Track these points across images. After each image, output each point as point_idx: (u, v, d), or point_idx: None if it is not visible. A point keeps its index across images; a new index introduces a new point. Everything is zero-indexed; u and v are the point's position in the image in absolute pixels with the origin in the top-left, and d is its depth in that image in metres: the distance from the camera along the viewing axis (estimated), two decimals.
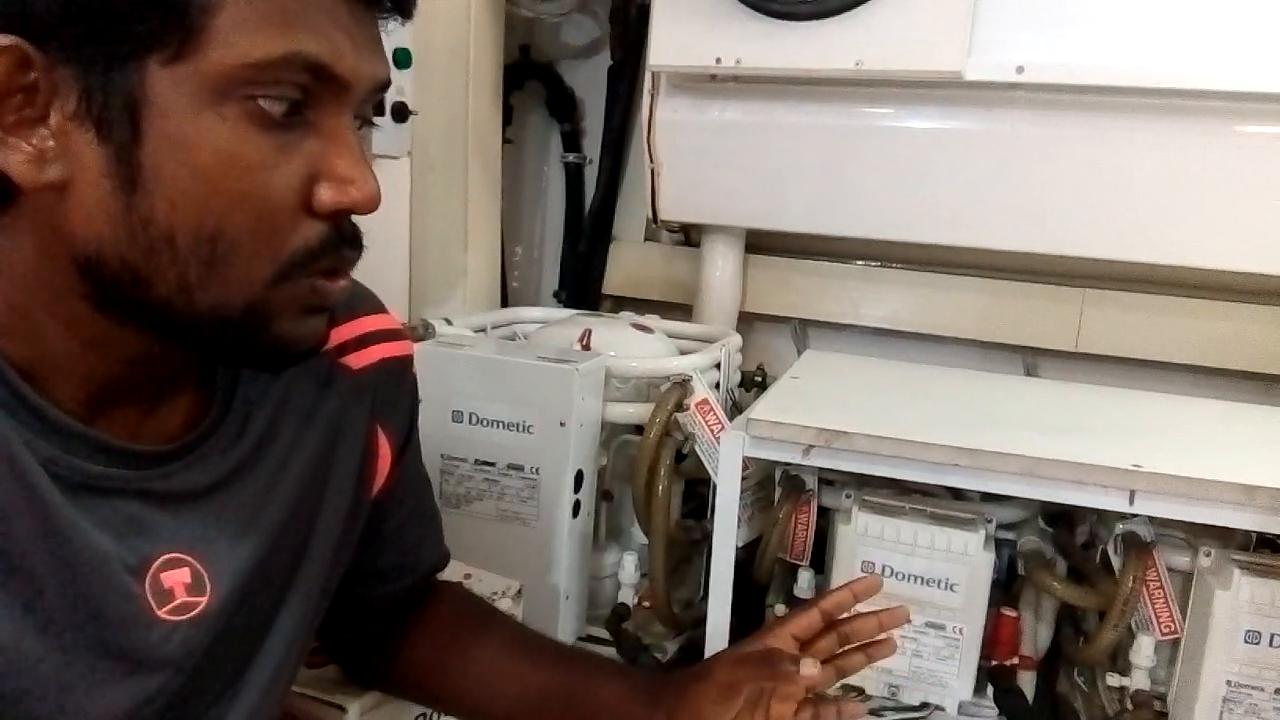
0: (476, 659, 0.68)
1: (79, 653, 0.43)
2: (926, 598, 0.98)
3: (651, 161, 1.44)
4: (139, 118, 0.40)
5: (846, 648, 0.67)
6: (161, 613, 0.46)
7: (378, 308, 0.64)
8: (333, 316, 0.59)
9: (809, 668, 0.60)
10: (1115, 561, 0.97)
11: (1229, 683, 0.90)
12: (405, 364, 0.65)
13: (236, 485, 0.51)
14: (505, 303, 1.70)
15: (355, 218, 0.47)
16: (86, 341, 0.44)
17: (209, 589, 0.49)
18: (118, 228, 0.41)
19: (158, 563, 0.47)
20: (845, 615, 0.67)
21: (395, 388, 0.64)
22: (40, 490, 0.41)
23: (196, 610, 0.48)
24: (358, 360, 0.60)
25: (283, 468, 0.54)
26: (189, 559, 0.48)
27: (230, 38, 0.40)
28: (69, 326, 0.44)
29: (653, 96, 1.42)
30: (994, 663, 1.03)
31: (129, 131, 0.40)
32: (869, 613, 0.67)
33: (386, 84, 0.47)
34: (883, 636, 0.67)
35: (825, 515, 1.08)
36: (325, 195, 0.44)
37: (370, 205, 0.45)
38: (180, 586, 0.47)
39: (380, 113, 1.14)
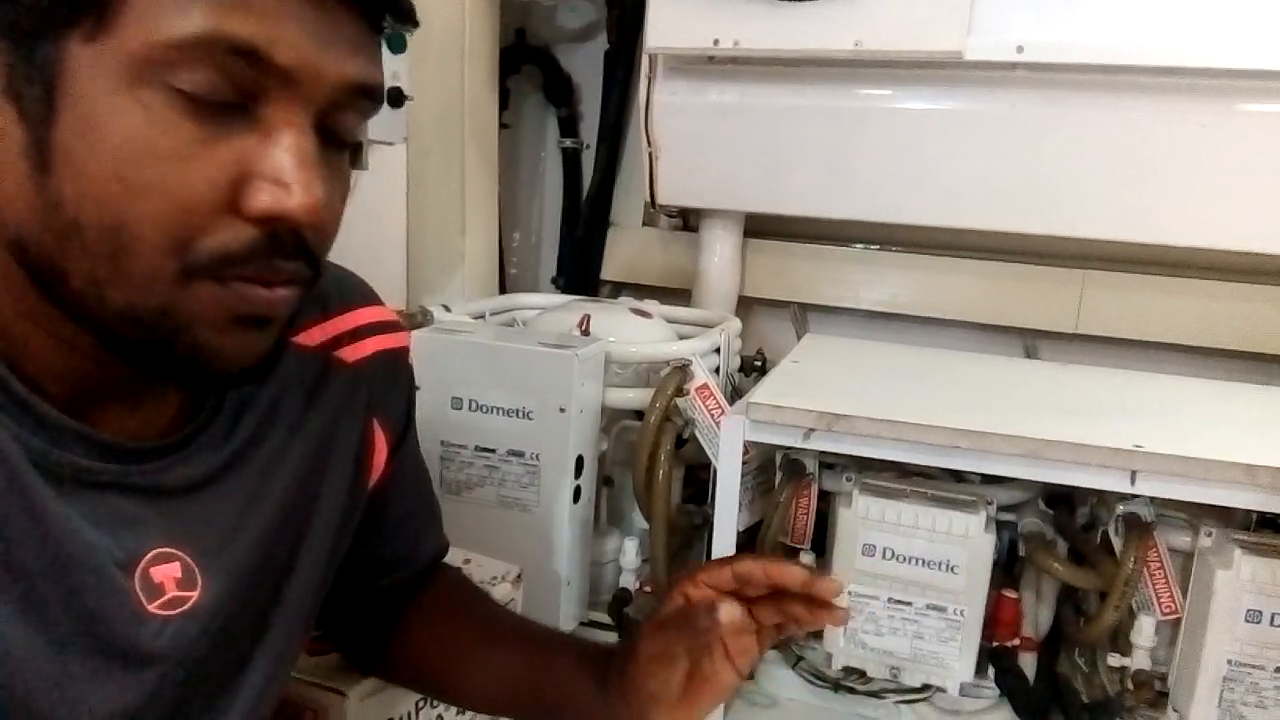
0: (454, 646, 0.68)
1: (73, 647, 0.42)
2: (927, 580, 0.99)
3: (649, 145, 1.43)
4: (55, 96, 0.38)
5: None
6: (152, 607, 0.46)
7: (372, 299, 0.63)
8: (325, 312, 0.59)
9: (726, 613, 0.57)
10: (1116, 542, 0.97)
11: (1230, 662, 0.90)
12: (401, 356, 0.64)
13: (228, 480, 0.50)
14: (503, 289, 1.70)
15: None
16: (49, 334, 0.42)
17: (200, 584, 0.48)
18: (35, 212, 0.39)
19: (147, 557, 0.46)
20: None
21: (390, 381, 0.63)
22: (28, 484, 0.41)
23: (187, 605, 0.47)
24: (352, 353, 0.60)
25: (276, 463, 0.53)
26: (179, 554, 0.47)
27: (146, 14, 0.37)
28: (30, 319, 0.42)
29: (650, 79, 1.41)
30: (995, 644, 1.04)
31: (46, 110, 0.38)
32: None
33: (367, 88, 0.43)
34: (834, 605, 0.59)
35: (826, 499, 1.08)
36: (253, 197, 0.40)
37: (306, 216, 0.41)
38: (170, 581, 0.47)
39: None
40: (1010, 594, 1.04)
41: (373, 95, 0.44)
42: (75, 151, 0.38)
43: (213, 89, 0.39)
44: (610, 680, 0.61)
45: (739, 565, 0.59)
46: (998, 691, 1.04)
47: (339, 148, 0.45)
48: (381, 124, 1.19)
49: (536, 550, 1.08)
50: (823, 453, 1.04)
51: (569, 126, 1.78)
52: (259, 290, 0.42)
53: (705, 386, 1.08)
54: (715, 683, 0.59)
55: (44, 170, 0.39)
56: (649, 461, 1.08)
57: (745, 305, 1.59)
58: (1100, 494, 1.02)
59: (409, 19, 0.46)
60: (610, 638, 1.11)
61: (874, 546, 1.00)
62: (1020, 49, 1.17)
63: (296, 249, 0.42)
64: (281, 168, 0.40)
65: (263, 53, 0.39)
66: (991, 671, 1.04)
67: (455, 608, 0.71)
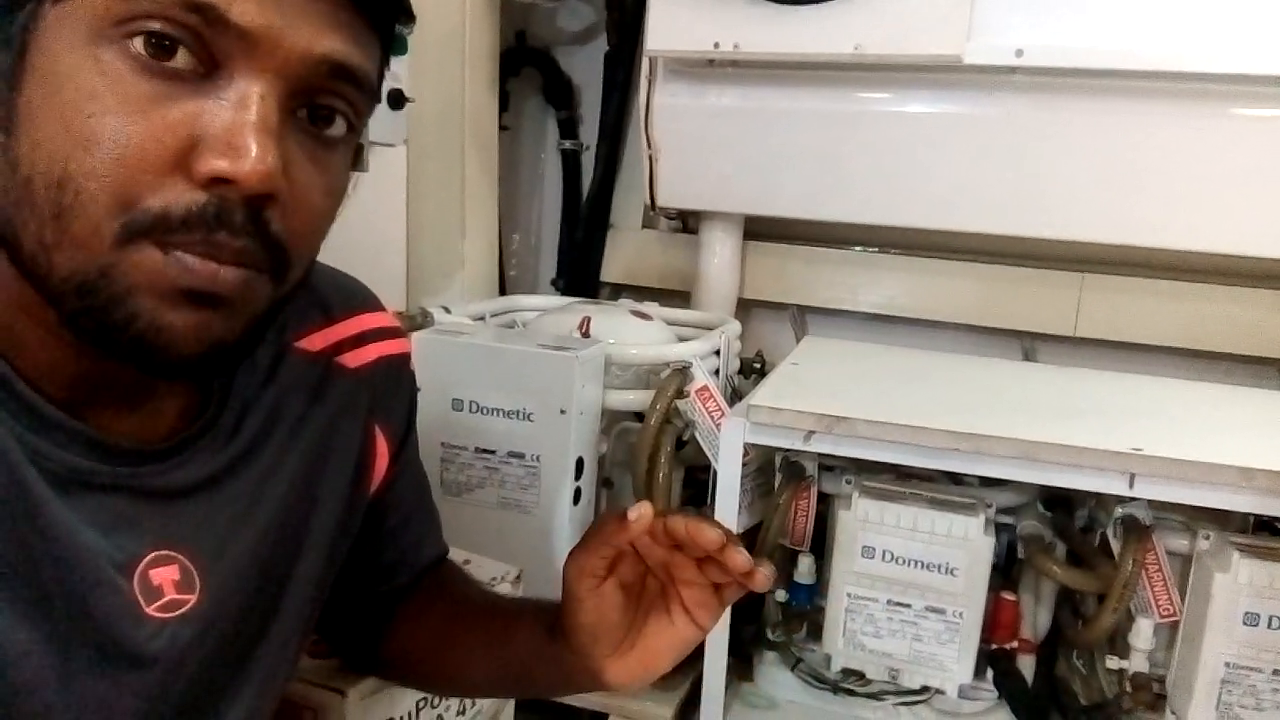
0: (435, 638, 0.68)
1: (75, 648, 0.42)
2: (926, 582, 0.99)
3: (649, 148, 1.44)
4: (26, 58, 0.39)
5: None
6: (150, 610, 0.46)
7: (375, 305, 0.63)
8: (328, 317, 0.59)
9: (635, 512, 0.52)
10: (1114, 545, 0.97)
11: (1228, 664, 0.91)
12: (403, 362, 0.64)
13: (228, 484, 0.50)
14: (503, 290, 1.70)
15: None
16: (46, 329, 0.42)
17: (198, 587, 0.48)
18: (2, 179, 0.39)
19: (146, 559, 0.46)
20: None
21: (392, 387, 0.63)
22: (27, 483, 0.40)
23: (185, 608, 0.47)
24: (354, 359, 0.60)
25: (276, 466, 0.53)
26: (178, 556, 0.47)
27: None
28: (27, 313, 0.42)
29: (650, 82, 1.41)
30: (994, 646, 1.04)
31: (17, 72, 0.39)
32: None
33: (342, 68, 0.42)
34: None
35: (825, 501, 1.08)
36: (200, 158, 0.39)
37: (253, 181, 0.39)
38: (169, 584, 0.47)
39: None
40: (1009, 596, 1.04)
41: (352, 79, 0.43)
42: (33, 109, 0.38)
43: (170, 47, 0.38)
44: (557, 629, 0.59)
45: (671, 522, 0.53)
46: (996, 693, 1.04)
47: (324, 138, 0.43)
48: (382, 126, 1.19)
49: (536, 551, 1.08)
50: (822, 455, 1.04)
51: (569, 128, 1.78)
52: (200, 263, 0.40)
53: (705, 389, 1.08)
54: (674, 635, 0.57)
55: (7, 131, 0.39)
56: (649, 463, 1.09)
57: (744, 307, 1.59)
58: (1098, 497, 1.03)
59: (399, 7, 0.45)
60: None
61: (873, 549, 1.00)
62: (1019, 53, 1.18)
63: (249, 225, 0.40)
64: (234, 130, 0.39)
65: (219, 10, 0.38)
66: (990, 673, 1.04)
67: (437, 601, 0.71)
